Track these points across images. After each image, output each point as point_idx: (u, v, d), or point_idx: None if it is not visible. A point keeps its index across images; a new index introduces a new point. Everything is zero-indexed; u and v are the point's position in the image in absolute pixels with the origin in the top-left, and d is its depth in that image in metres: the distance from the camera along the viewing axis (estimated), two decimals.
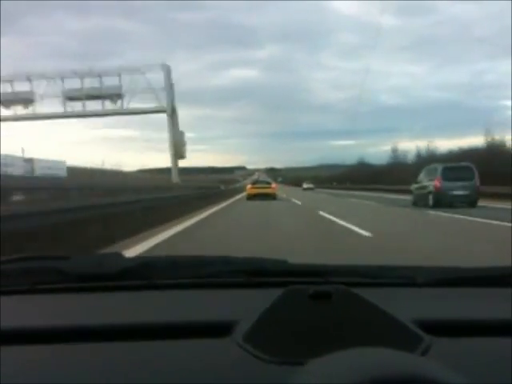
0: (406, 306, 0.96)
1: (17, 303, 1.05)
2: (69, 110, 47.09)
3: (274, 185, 29.85)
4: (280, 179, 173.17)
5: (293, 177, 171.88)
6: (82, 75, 45.81)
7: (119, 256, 1.22)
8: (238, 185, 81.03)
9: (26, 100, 45.95)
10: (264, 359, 0.73)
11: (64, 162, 41.66)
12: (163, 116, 47.73)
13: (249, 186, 28.87)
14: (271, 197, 26.32)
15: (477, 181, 17.20)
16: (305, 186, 69.38)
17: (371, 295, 0.89)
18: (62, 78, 45.95)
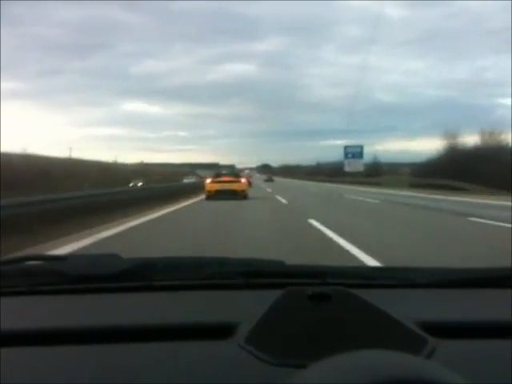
0: (407, 307, 0.96)
1: (16, 304, 1.05)
2: None
3: (243, 179, 21.42)
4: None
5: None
6: None
7: (117, 257, 1.22)
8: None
9: None
10: (266, 361, 0.73)
11: None
12: None
13: (208, 181, 20.74)
14: (240, 196, 19.22)
15: None
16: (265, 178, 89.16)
17: (371, 296, 0.88)
18: None
